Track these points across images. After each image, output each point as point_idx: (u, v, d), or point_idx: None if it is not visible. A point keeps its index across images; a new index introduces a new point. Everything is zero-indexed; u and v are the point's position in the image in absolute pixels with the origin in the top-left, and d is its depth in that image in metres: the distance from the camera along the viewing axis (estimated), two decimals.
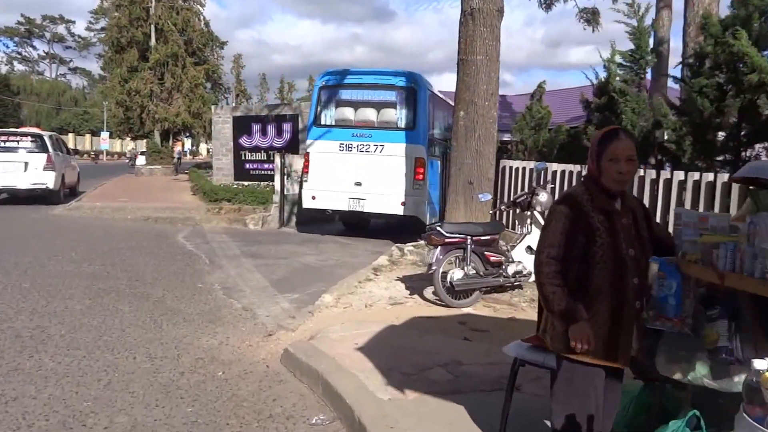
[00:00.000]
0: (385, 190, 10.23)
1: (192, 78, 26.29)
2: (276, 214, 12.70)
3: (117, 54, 26.86)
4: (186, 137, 43.54)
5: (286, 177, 12.93)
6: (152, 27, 26.29)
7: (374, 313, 5.41)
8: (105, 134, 63.07)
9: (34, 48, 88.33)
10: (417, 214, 10.24)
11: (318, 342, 4.38)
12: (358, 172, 10.34)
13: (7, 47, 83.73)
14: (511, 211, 7.87)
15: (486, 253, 5.73)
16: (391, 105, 10.58)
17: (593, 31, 13.60)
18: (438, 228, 5.60)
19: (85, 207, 13.09)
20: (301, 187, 11.38)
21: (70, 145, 61.80)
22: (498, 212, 7.89)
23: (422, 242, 9.10)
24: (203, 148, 79.35)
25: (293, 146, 15.10)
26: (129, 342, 4.58)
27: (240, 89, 57.73)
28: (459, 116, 8.10)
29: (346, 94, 10.87)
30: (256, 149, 15.79)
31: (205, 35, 28.86)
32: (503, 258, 5.84)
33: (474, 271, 5.62)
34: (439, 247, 5.56)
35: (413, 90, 10.39)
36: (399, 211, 10.26)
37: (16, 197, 14.15)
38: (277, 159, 12.76)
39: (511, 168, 8.37)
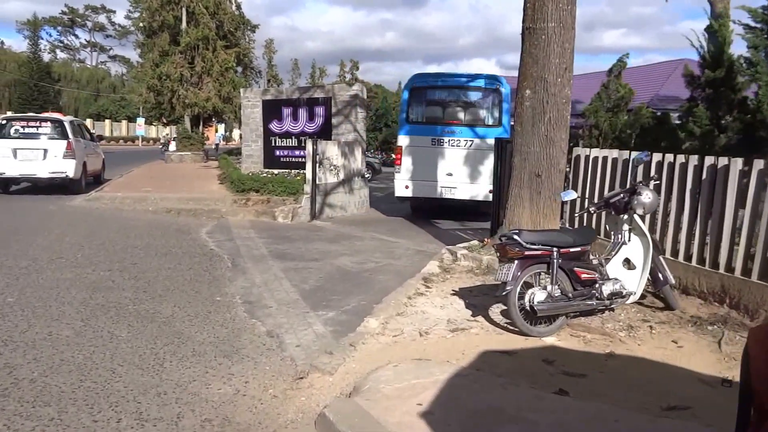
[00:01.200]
0: (475, 180, 11.63)
1: (223, 62, 25.33)
2: (307, 205, 11.61)
3: (149, 38, 26.11)
4: (219, 123, 42.91)
5: (318, 165, 11.82)
6: (183, 10, 25.39)
7: (433, 345, 4.22)
8: (141, 120, 63.22)
9: (76, 36, 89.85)
10: None
11: (366, 399, 3.21)
12: (449, 164, 11.67)
13: (50, 36, 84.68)
14: (600, 214, 6.45)
15: (576, 268, 4.47)
16: (479, 104, 11.94)
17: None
18: (515, 237, 4.36)
19: (105, 197, 12.21)
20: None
21: (106, 132, 62.43)
22: (585, 214, 6.56)
23: (475, 243, 7.93)
24: (236, 134, 79.22)
25: (326, 132, 13.98)
26: (117, 391, 3.49)
27: (272, 74, 56.93)
28: (524, 96, 6.80)
29: (435, 95, 12.19)
30: (286, 135, 14.71)
31: (237, 18, 27.84)
32: (596, 275, 4.57)
33: (560, 292, 4.38)
34: (516, 262, 4.32)
35: (498, 91, 11.72)
36: (488, 197, 10.83)
37: (38, 186, 13.42)
38: (309, 146, 11.64)
39: (587, 158, 7.03)
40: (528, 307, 4.29)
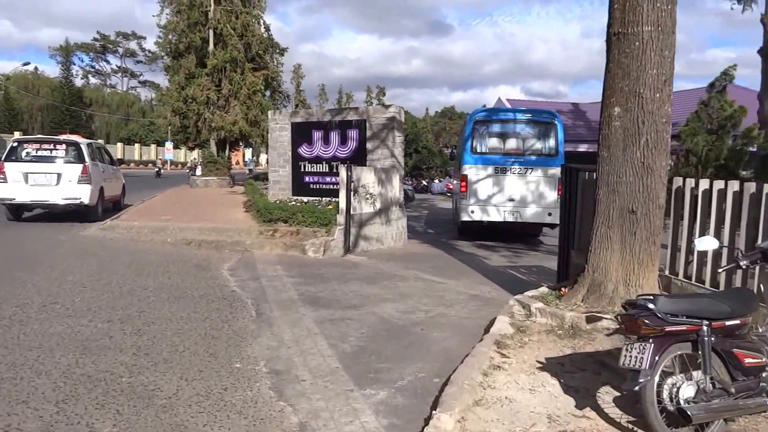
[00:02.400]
0: (535, 204, 12.74)
1: (250, 84, 24.60)
2: (340, 238, 10.45)
3: (175, 60, 25.57)
4: (246, 147, 42.40)
5: (353, 194, 10.70)
6: (211, 32, 24.82)
7: None
8: (169, 144, 63.46)
9: (108, 62, 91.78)
10: (557, 222, 11.37)
11: None
12: (511, 190, 12.76)
13: (83, 62, 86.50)
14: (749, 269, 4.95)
15: (735, 349, 3.18)
16: (536, 136, 13.00)
17: (743, 11, 10.72)
18: (649, 305, 3.10)
19: (121, 226, 11.23)
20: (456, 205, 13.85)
21: (135, 155, 62.75)
22: (734, 269, 5.00)
23: (545, 290, 6.66)
24: (263, 158, 79.14)
25: (360, 157, 12.88)
26: None
27: (299, 99, 56.64)
28: (612, 114, 5.58)
29: (497, 127, 13.17)
30: (317, 160, 13.66)
31: (265, 41, 27.22)
32: (764, 358, 3.26)
33: (715, 384, 3.10)
34: (652, 341, 3.06)
35: (553, 123, 12.93)
36: (547, 220, 12.74)
37: (52, 213, 12.54)
38: (343, 172, 10.54)
39: (692, 190, 5.71)
40: (672, 407, 3.01)
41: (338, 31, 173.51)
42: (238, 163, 59.82)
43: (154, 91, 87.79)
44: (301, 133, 13.84)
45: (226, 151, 27.12)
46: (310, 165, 13.78)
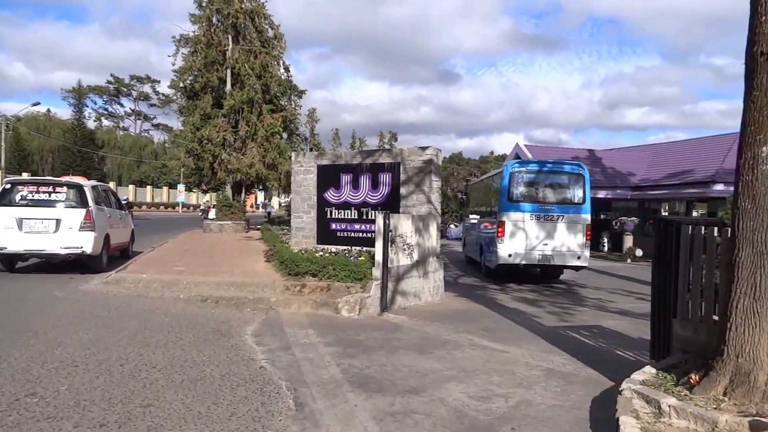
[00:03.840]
0: (566, 248, 13.86)
1: (268, 126, 23.72)
2: (377, 294, 9.17)
3: (190, 100, 24.83)
4: (259, 190, 41.51)
5: (390, 244, 9.45)
6: (228, 71, 24.16)
7: None
8: (181, 186, 63.04)
9: (121, 105, 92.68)
10: (586, 264, 14.16)
11: None
12: (545, 235, 13.85)
13: (96, 104, 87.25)
14: None
15: None
16: (566, 186, 14.23)
17: None
18: None
19: (127, 280, 9.97)
20: (491, 248, 14.50)
21: (147, 198, 62.17)
22: None
23: (652, 370, 5.31)
24: (275, 201, 78.52)
25: (392, 203, 11.69)
26: None
27: (314, 143, 56.16)
28: (759, 156, 4.35)
29: (532, 178, 14.20)
30: (345, 206, 12.47)
31: (284, 82, 26.53)
32: None
33: None
34: None
35: (582, 176, 14.22)
36: (576, 262, 14.00)
37: (51, 263, 11.35)
38: (380, 219, 9.32)
39: None
40: None
41: (350, 78, 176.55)
42: (251, 206, 59.04)
43: (166, 133, 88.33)
44: (327, 177, 12.70)
45: (242, 195, 26.12)
46: (337, 211, 12.58)
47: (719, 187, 23.32)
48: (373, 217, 11.91)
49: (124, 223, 13.68)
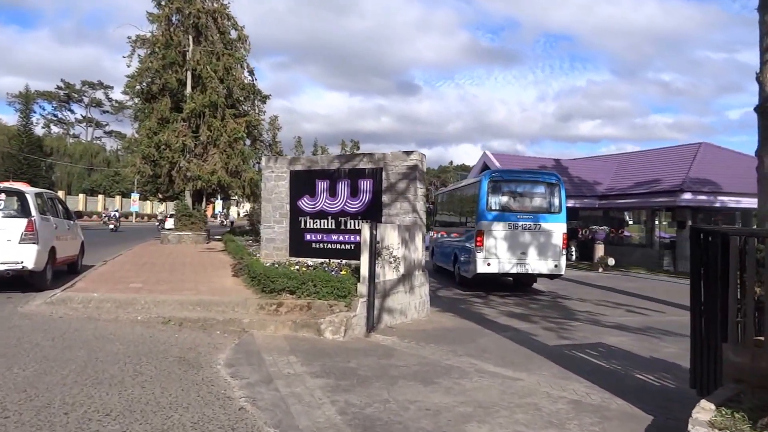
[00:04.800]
0: (543, 257, 13.83)
1: (231, 131, 22.48)
2: (363, 313, 8.24)
3: (147, 103, 23.37)
4: (221, 199, 39.97)
5: (377, 257, 8.54)
6: (188, 73, 22.85)
7: None
8: (135, 195, 60.60)
9: (72, 112, 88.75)
10: (562, 272, 14.14)
11: None
12: (523, 244, 13.76)
13: (45, 110, 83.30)
14: None
15: None
16: (544, 195, 14.28)
17: None
18: None
19: (75, 299, 8.71)
20: (471, 257, 14.12)
21: (98, 207, 59.41)
22: None
23: (710, 406, 4.54)
24: (234, 211, 76.46)
25: (374, 211, 10.79)
26: None
27: (276, 151, 54.85)
28: None
29: (510, 187, 14.27)
30: (320, 215, 11.47)
31: (247, 87, 25.33)
32: None
33: None
34: None
35: (558, 185, 14.25)
36: (553, 270, 13.97)
37: None
38: (366, 230, 8.40)
39: None
40: None
41: (309, 87, 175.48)
42: (210, 216, 57.11)
43: (120, 141, 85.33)
44: (301, 184, 11.70)
45: (203, 204, 24.75)
46: (312, 221, 11.58)
47: (687, 196, 23.29)
48: (353, 227, 11.01)
49: (73, 234, 12.33)
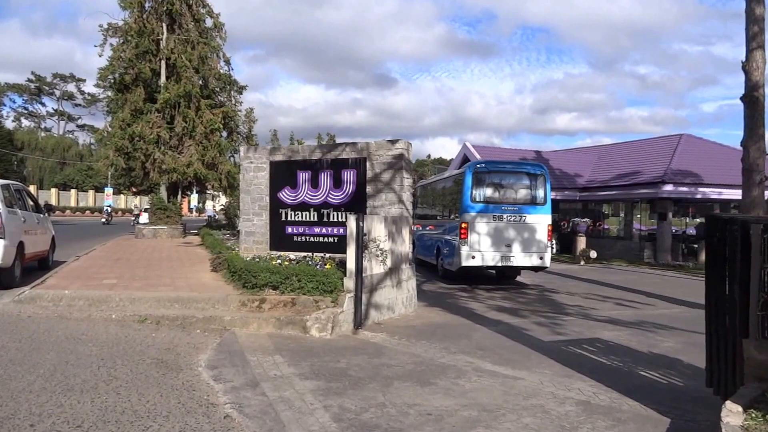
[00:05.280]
0: (528, 249, 13.64)
1: (207, 122, 21.84)
2: (350, 309, 7.87)
3: (120, 93, 22.58)
4: (197, 192, 39.14)
5: (364, 250, 8.17)
6: (163, 63, 22.12)
7: None
8: (109, 190, 59.19)
9: (43, 105, 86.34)
10: (547, 265, 13.95)
11: None
12: (508, 236, 13.57)
13: (15, 103, 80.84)
14: None
15: None
16: (528, 186, 14.07)
17: None
18: None
19: (45, 297, 8.18)
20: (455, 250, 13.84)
21: (71, 202, 58.03)
22: None
23: (736, 408, 4.29)
24: (209, 205, 75.26)
25: (358, 203, 10.41)
26: None
27: (252, 144, 54.07)
28: None
29: (494, 178, 14.02)
30: (302, 207, 11.06)
31: (223, 77, 24.66)
32: None
33: None
34: None
35: (543, 177, 14.11)
36: (538, 263, 13.82)
37: None
38: (352, 222, 8.02)
39: None
40: None
41: (285, 80, 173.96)
42: (186, 210, 56.04)
43: (92, 134, 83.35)
44: (282, 175, 11.27)
45: (179, 197, 24.08)
46: (293, 213, 11.15)
47: (668, 187, 23.32)
48: (336, 220, 10.63)
49: (43, 228, 11.72)
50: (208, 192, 37.89)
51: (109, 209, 41.71)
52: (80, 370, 5.36)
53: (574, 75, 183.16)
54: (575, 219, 26.39)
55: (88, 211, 59.97)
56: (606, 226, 29.14)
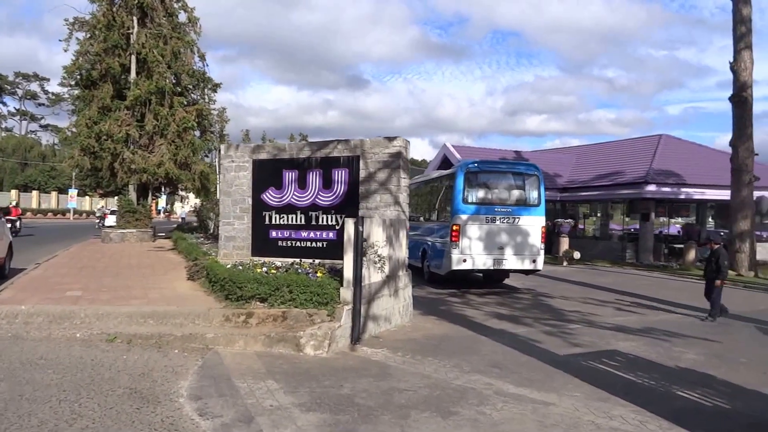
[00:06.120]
0: (521, 252, 13.14)
1: (181, 120, 20.73)
2: (348, 323, 7.08)
3: (86, 90, 21.29)
4: (166, 194, 37.71)
5: (361, 256, 7.38)
6: (133, 57, 20.94)
7: None
8: (73, 191, 57.08)
9: (4, 104, 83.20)
10: (540, 268, 13.50)
11: None
12: (501, 238, 13.04)
13: None
14: None
15: None
16: (522, 187, 13.51)
17: None
18: None
19: None
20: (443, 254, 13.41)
21: (32, 203, 55.79)
22: None
23: None
24: (177, 207, 73.36)
25: (349, 205, 9.60)
26: None
27: (225, 144, 52.73)
28: None
29: (487, 179, 13.46)
30: (288, 209, 10.20)
31: (197, 74, 23.52)
32: None
33: None
34: None
35: (537, 177, 13.55)
36: (531, 267, 13.34)
37: None
38: (351, 226, 7.23)
39: None
40: None
41: (256, 81, 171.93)
42: (154, 212, 54.30)
43: (56, 135, 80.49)
44: (266, 174, 10.38)
45: (149, 199, 22.88)
46: (278, 216, 10.28)
47: (651, 187, 23.07)
48: (325, 223, 9.82)
49: None
50: (178, 194, 36.55)
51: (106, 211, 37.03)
52: (37, 406, 4.46)
53: (544, 78, 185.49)
54: (558, 219, 26.00)
55: (50, 213, 57.78)
56: (581, 227, 28.85)
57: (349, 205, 9.63)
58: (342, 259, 7.34)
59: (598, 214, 29.17)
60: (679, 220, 27.93)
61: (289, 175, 10.20)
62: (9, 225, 28.82)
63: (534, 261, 13.29)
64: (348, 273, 7.25)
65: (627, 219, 26.72)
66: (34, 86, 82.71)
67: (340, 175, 9.82)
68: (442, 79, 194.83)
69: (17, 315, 7.04)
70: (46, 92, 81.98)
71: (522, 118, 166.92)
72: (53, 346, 6.33)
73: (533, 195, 13.55)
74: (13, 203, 30.73)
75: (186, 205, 56.02)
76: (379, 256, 8.03)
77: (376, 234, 8.02)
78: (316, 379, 5.66)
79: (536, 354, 7.20)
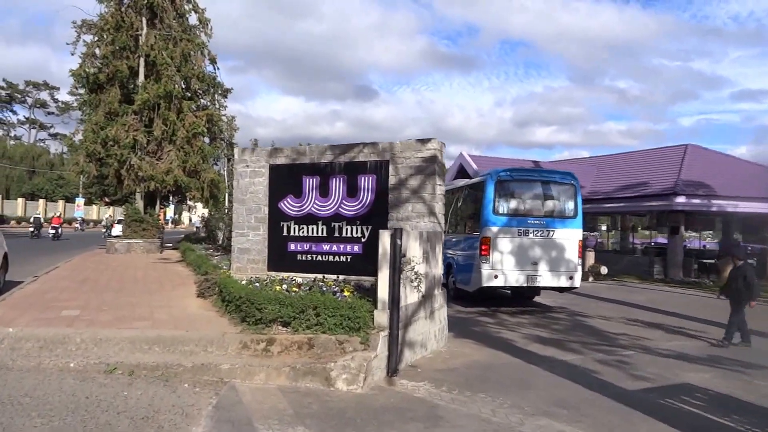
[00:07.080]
0: (556, 268, 12.22)
1: (190, 126, 19.91)
2: (384, 352, 6.09)
3: (93, 94, 20.53)
4: (174, 203, 36.90)
5: (399, 274, 6.40)
6: (141, 60, 20.17)
7: None
8: (80, 200, 56.44)
9: (14, 113, 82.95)
10: (577, 285, 12.54)
11: None
12: (534, 253, 12.13)
13: None
14: None
15: None
16: (557, 198, 12.60)
17: None
18: None
19: None
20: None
21: (39, 212, 55.33)
22: None
23: None
24: (185, 216, 72.68)
25: (377, 215, 8.65)
26: None
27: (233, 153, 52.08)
28: None
29: (519, 188, 12.53)
30: (308, 219, 9.27)
31: (207, 78, 22.73)
32: None
33: None
34: None
35: (574, 186, 12.70)
36: (567, 284, 12.41)
37: None
38: (386, 238, 6.27)
39: None
40: None
41: (264, 92, 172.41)
42: (163, 222, 53.57)
43: (64, 143, 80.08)
44: (284, 181, 9.46)
45: (156, 207, 22.02)
46: (297, 227, 9.34)
47: (681, 199, 21.97)
48: (350, 235, 8.88)
49: None
50: (186, 204, 35.74)
51: (41, 219, 35.12)
52: None
53: (553, 89, 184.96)
54: (584, 232, 24.96)
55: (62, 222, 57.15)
56: (600, 240, 27.79)
57: (377, 215, 8.68)
58: (368, 274, 6.41)
59: (619, 227, 28.12)
60: (710, 233, 26.83)
61: (310, 182, 9.27)
62: (52, 231, 28.99)
63: (571, 278, 12.31)
64: (383, 293, 6.28)
65: (653, 232, 25.65)
66: (44, 95, 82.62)
67: (366, 182, 8.87)
68: (451, 89, 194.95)
69: (3, 339, 6.10)
70: (56, 101, 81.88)
71: (531, 129, 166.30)
72: (42, 378, 5.38)
73: (569, 206, 12.57)
74: (58, 213, 35.58)
75: (193, 214, 55.33)
76: (416, 273, 7.06)
77: (413, 248, 7.05)
78: (353, 423, 4.69)
79: (600, 389, 6.20)
